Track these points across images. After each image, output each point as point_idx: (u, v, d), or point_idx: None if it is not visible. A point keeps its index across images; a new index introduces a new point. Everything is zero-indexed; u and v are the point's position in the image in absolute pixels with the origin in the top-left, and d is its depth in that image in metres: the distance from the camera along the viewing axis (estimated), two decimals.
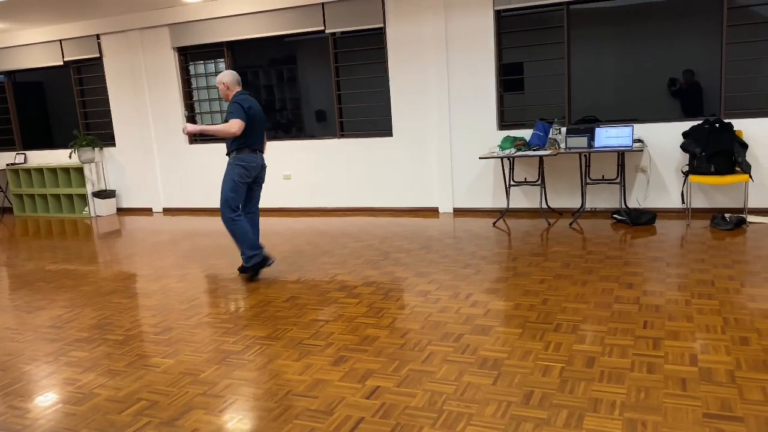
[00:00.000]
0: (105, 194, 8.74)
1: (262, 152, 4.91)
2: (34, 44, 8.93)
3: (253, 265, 4.82)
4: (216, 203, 8.29)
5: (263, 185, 5.23)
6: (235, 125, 4.60)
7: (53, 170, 9.08)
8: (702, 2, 5.95)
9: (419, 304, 4.00)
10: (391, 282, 4.53)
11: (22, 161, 9.46)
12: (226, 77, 4.85)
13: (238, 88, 4.89)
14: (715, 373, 2.77)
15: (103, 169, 8.95)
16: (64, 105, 9.31)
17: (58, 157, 9.35)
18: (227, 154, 4.86)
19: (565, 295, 3.97)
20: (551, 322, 3.52)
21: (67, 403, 2.96)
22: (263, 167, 4.92)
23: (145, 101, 8.48)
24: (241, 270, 4.99)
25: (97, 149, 8.89)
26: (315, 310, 4.04)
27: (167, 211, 8.71)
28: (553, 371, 2.91)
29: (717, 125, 5.59)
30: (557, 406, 2.59)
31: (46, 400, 3.01)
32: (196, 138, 8.44)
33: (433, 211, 7.17)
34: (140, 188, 8.86)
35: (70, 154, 8.69)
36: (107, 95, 8.79)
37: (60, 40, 8.72)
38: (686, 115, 6.19)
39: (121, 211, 8.99)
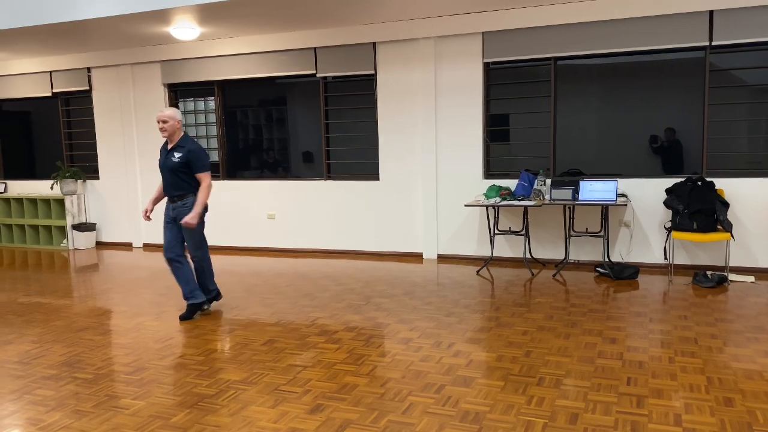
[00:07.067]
0: (85, 227, 8.60)
1: None
2: (23, 74, 8.91)
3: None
4: None
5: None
6: (210, 179, 4.61)
7: (33, 200, 8.94)
8: (685, 63, 6.11)
9: (401, 351, 3.92)
10: (372, 328, 4.45)
11: (2, 190, 9.32)
12: (179, 114, 4.62)
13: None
14: None
15: (84, 201, 8.83)
16: (50, 136, 9.24)
17: (40, 188, 9.22)
18: (177, 198, 4.62)
19: (548, 347, 3.91)
20: (534, 375, 3.46)
21: None
22: None
23: (132, 135, 8.44)
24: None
25: (80, 181, 8.79)
26: (293, 354, 3.94)
27: (147, 246, 8.58)
28: (536, 427, 2.84)
29: (699, 183, 5.67)
30: None
31: None
32: None
33: (417, 257, 7.13)
34: (121, 222, 8.74)
35: (52, 185, 8.59)
36: (94, 128, 8.75)
37: (50, 72, 8.71)
38: (666, 173, 6.28)
39: (101, 245, 8.83)
